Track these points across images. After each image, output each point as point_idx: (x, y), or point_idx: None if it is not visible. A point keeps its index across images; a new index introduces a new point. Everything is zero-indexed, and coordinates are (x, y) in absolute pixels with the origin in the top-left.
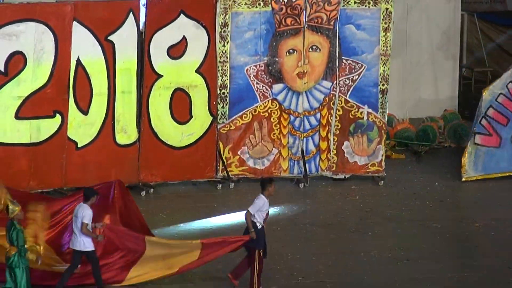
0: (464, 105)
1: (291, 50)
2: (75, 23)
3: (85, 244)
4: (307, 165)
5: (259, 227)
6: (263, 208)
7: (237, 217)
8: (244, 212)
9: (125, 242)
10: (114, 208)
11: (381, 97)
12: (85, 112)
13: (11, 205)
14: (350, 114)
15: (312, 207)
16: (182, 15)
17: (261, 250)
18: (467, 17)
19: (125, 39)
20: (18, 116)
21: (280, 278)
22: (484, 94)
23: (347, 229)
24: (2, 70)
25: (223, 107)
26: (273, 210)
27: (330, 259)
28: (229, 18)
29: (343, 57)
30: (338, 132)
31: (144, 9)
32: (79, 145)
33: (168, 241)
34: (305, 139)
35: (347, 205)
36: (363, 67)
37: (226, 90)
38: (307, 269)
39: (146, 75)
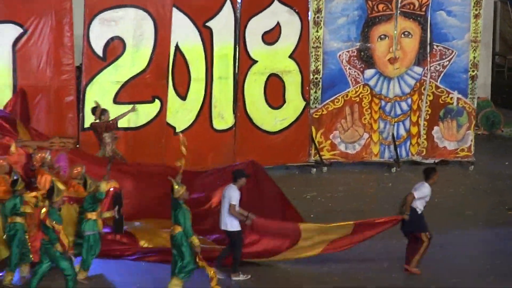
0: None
1: (382, 36)
2: (174, 9)
3: (231, 224)
4: (398, 150)
5: (419, 212)
6: (426, 197)
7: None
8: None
9: (279, 234)
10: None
11: (470, 83)
12: (183, 97)
13: (176, 185)
14: (440, 99)
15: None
16: (276, 1)
17: (427, 233)
18: (500, 5)
19: (223, 25)
20: (117, 101)
21: None
22: None
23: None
24: (101, 55)
25: (315, 92)
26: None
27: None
28: (322, 4)
29: (434, 43)
30: (428, 118)
31: None
32: (177, 130)
33: (321, 225)
34: (396, 124)
35: (445, 188)
36: (453, 53)
37: (319, 75)
38: None
39: (241, 61)
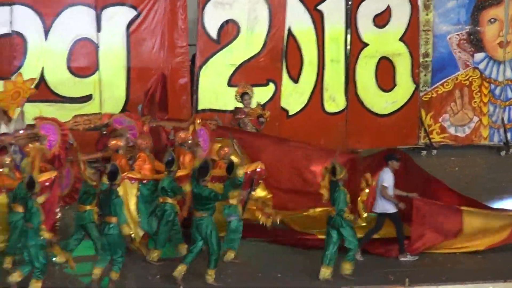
0: None
1: (492, 19)
2: None
3: (384, 206)
4: (508, 134)
5: None
6: None
7: None
8: None
9: (439, 217)
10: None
11: None
12: (295, 80)
13: (338, 167)
14: None
15: None
16: None
17: None
18: None
19: (334, 8)
20: (231, 83)
21: None
22: None
23: None
24: (215, 38)
25: (425, 75)
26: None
27: None
28: None
29: None
30: None
31: None
32: (289, 113)
33: (486, 211)
34: (506, 107)
35: None
36: None
37: (429, 58)
38: None
39: (353, 44)
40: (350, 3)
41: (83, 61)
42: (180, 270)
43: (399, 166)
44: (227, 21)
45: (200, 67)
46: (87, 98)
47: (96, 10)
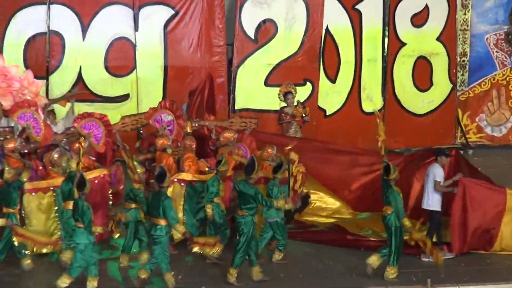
0: None
1: None
2: None
3: (433, 203)
4: None
5: None
6: None
7: None
8: None
9: (483, 197)
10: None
11: None
12: (333, 80)
13: (391, 167)
14: None
15: None
16: None
17: None
18: None
19: (372, 7)
20: (268, 83)
21: None
22: None
23: None
24: (253, 37)
25: (462, 74)
26: None
27: None
28: None
29: None
30: None
31: None
32: (327, 113)
33: None
34: None
35: None
36: None
37: (466, 58)
38: None
39: (390, 44)
40: (388, 2)
41: (120, 61)
42: (257, 272)
43: (448, 162)
44: (264, 21)
45: (237, 66)
46: (125, 97)
47: (133, 9)
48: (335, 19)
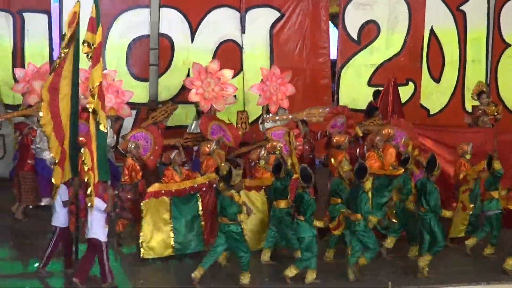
0: None
1: None
2: None
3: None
4: None
5: None
6: None
7: None
8: None
9: None
10: None
11: None
12: (436, 80)
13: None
14: None
15: None
16: None
17: None
18: None
19: (476, 8)
20: (371, 83)
21: None
22: None
23: None
24: (355, 38)
25: None
26: None
27: None
28: None
29: None
30: None
31: None
32: (431, 112)
33: None
34: None
35: None
36: None
37: None
38: None
39: (495, 44)
40: (493, 4)
41: (227, 63)
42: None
43: None
44: (367, 22)
45: (341, 67)
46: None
47: (240, 11)
48: (440, 20)
